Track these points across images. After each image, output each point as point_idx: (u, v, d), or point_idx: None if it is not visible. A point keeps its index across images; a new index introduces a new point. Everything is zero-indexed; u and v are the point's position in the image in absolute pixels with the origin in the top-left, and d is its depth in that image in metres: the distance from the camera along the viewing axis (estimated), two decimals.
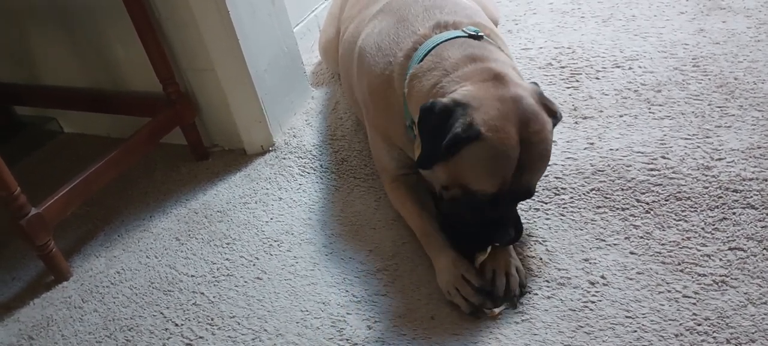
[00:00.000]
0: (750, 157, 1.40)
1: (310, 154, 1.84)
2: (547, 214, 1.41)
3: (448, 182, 1.24)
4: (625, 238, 1.31)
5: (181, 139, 1.99)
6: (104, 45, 2.00)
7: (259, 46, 1.81)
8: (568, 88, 1.77)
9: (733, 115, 1.53)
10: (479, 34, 1.36)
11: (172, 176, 1.96)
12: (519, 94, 1.20)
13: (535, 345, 1.16)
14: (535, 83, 1.27)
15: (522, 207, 1.44)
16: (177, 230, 1.72)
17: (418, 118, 1.24)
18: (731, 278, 1.17)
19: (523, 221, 1.39)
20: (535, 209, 1.43)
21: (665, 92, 1.66)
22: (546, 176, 1.50)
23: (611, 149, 1.52)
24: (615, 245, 1.30)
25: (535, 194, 1.45)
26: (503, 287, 1.25)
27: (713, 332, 1.10)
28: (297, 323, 1.34)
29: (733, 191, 1.33)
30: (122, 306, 1.52)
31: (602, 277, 1.24)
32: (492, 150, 1.16)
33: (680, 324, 1.12)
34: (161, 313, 1.47)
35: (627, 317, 1.16)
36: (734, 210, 1.30)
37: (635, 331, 1.13)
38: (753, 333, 1.08)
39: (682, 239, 1.27)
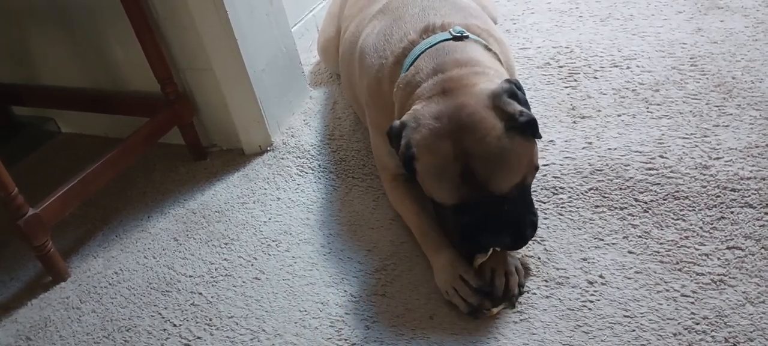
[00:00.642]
0: (748, 156, 1.40)
1: (309, 154, 1.84)
2: (546, 213, 1.41)
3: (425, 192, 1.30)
4: (624, 237, 1.31)
5: (179, 140, 1.99)
6: (102, 45, 2.00)
7: (258, 46, 1.81)
8: (566, 87, 1.77)
9: (731, 114, 1.53)
10: (464, 35, 1.37)
11: (171, 176, 1.96)
12: (461, 103, 1.22)
13: (533, 344, 1.16)
14: (509, 81, 1.24)
15: None
16: (175, 230, 1.72)
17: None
18: (729, 277, 1.17)
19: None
20: None
21: (663, 92, 1.66)
22: (544, 175, 1.50)
23: (609, 149, 1.52)
24: (613, 244, 1.30)
25: (534, 193, 1.46)
26: (502, 287, 1.25)
27: (712, 331, 1.10)
28: (295, 323, 1.34)
29: (731, 190, 1.33)
30: (120, 307, 1.52)
31: (600, 276, 1.24)
32: (428, 168, 1.23)
33: (679, 323, 1.12)
34: (159, 313, 1.47)
35: (625, 316, 1.16)
36: (732, 209, 1.30)
37: (634, 330, 1.13)
38: (751, 332, 1.08)
39: (681, 238, 1.27)
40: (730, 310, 1.12)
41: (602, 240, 1.31)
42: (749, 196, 1.31)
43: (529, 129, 1.20)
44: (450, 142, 1.20)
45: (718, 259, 1.21)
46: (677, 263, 1.22)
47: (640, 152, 1.49)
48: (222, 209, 1.74)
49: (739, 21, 1.86)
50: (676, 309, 1.14)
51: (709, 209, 1.31)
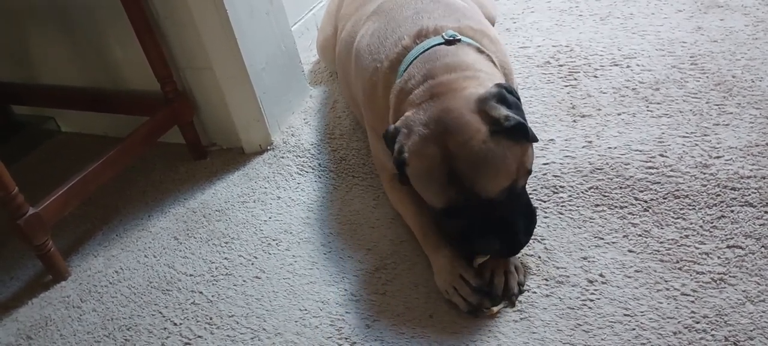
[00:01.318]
0: (748, 155, 1.40)
1: (309, 153, 1.84)
2: (546, 212, 1.41)
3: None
4: (624, 236, 1.31)
5: (179, 139, 1.99)
6: (102, 44, 1.99)
7: (257, 45, 1.81)
8: (566, 86, 1.77)
9: (731, 113, 1.53)
10: (456, 38, 1.38)
11: (171, 176, 1.96)
12: (447, 108, 1.23)
13: (533, 343, 1.16)
14: (499, 86, 1.24)
15: None
16: (175, 229, 1.72)
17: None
18: (729, 276, 1.17)
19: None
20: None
21: (663, 90, 1.66)
22: (544, 174, 1.50)
23: (609, 147, 1.52)
24: (613, 243, 1.30)
25: (534, 192, 1.46)
26: (501, 286, 1.25)
27: (711, 329, 1.10)
28: (296, 321, 1.34)
29: (731, 189, 1.34)
30: (121, 305, 1.52)
31: (601, 275, 1.24)
32: (418, 172, 1.24)
33: (679, 322, 1.12)
34: (160, 312, 1.47)
35: (625, 315, 1.16)
36: (732, 208, 1.30)
37: (634, 329, 1.13)
38: (751, 331, 1.08)
39: (681, 236, 1.27)
40: (730, 309, 1.12)
41: (602, 239, 1.32)
42: (749, 195, 1.31)
43: (516, 133, 1.20)
44: (436, 146, 1.20)
45: (719, 258, 1.21)
46: (677, 262, 1.22)
47: (641, 151, 1.49)
48: (222, 208, 1.74)
49: (739, 20, 1.86)
50: (677, 308, 1.15)
51: (710, 208, 1.31)
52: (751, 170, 1.36)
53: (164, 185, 1.93)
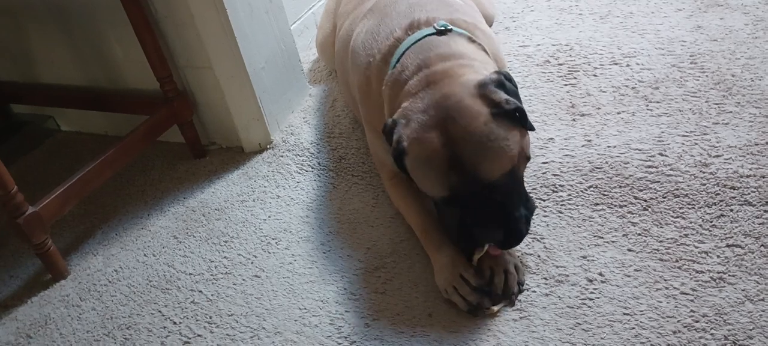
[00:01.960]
0: (747, 154, 1.40)
1: (308, 152, 1.84)
2: (545, 211, 1.41)
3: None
4: (623, 235, 1.31)
5: (178, 138, 1.99)
6: (102, 43, 1.99)
7: (257, 43, 1.81)
8: (566, 85, 1.77)
9: (731, 112, 1.53)
10: (448, 28, 1.38)
11: (170, 174, 1.96)
12: (446, 93, 1.23)
13: (533, 342, 1.16)
14: (498, 72, 1.25)
15: None
16: (175, 228, 1.72)
17: None
18: (729, 275, 1.17)
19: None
20: None
21: (663, 89, 1.66)
22: (544, 173, 1.50)
23: (609, 146, 1.52)
24: (613, 242, 1.30)
25: (534, 190, 1.46)
26: (501, 285, 1.25)
27: (711, 328, 1.10)
28: (295, 320, 1.34)
29: (730, 188, 1.34)
30: (120, 304, 1.52)
31: (600, 274, 1.24)
32: (418, 161, 1.23)
33: (678, 321, 1.12)
34: (159, 311, 1.47)
35: (625, 314, 1.16)
36: (732, 207, 1.30)
37: (633, 328, 1.13)
38: (751, 330, 1.08)
39: (680, 235, 1.27)
40: (729, 308, 1.12)
41: (602, 238, 1.32)
42: (749, 194, 1.31)
43: (517, 117, 1.20)
44: (437, 132, 1.20)
45: (718, 257, 1.21)
46: (677, 261, 1.22)
47: (640, 150, 1.49)
48: (222, 207, 1.74)
49: (738, 18, 1.86)
50: (676, 307, 1.15)
51: (709, 207, 1.31)
52: (750, 169, 1.36)
53: (164, 184, 1.93)
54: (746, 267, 1.18)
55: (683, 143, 1.47)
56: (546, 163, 1.53)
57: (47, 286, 1.65)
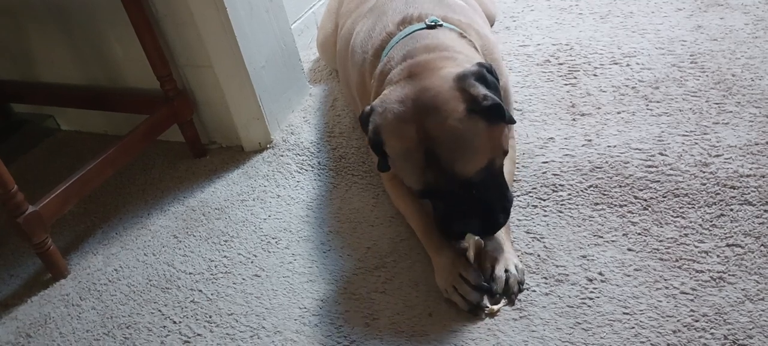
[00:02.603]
0: (747, 153, 1.40)
1: (308, 151, 1.84)
2: (545, 211, 1.41)
3: None
4: (623, 234, 1.31)
5: (178, 137, 1.99)
6: (102, 42, 1.99)
7: (257, 43, 1.81)
8: (566, 85, 1.77)
9: (731, 111, 1.53)
10: (438, 23, 1.39)
11: (170, 174, 1.96)
12: (425, 86, 1.23)
13: (533, 342, 1.16)
14: (480, 64, 1.24)
15: (520, 204, 1.44)
16: (175, 227, 1.72)
17: None
18: (729, 275, 1.18)
19: (521, 218, 1.40)
20: (532, 205, 1.43)
21: (663, 89, 1.66)
22: (544, 172, 1.50)
23: (609, 146, 1.52)
24: (613, 241, 1.30)
25: (533, 190, 1.46)
26: (501, 285, 1.25)
27: (711, 328, 1.10)
28: (295, 320, 1.34)
29: (730, 188, 1.34)
30: (120, 304, 1.52)
31: (600, 273, 1.24)
32: (396, 152, 1.24)
33: (678, 320, 1.12)
34: (159, 310, 1.47)
35: (625, 313, 1.16)
36: (732, 207, 1.30)
37: (633, 327, 1.13)
38: (750, 329, 1.08)
39: (680, 235, 1.27)
40: (729, 307, 1.12)
41: (602, 237, 1.32)
42: (749, 193, 1.31)
43: (494, 113, 1.20)
44: (414, 126, 1.20)
45: (718, 256, 1.21)
46: (677, 261, 1.22)
47: (640, 150, 1.49)
48: (222, 207, 1.74)
49: (738, 18, 1.86)
50: (676, 306, 1.15)
51: (709, 207, 1.31)
52: (750, 169, 1.36)
53: (164, 183, 1.92)
54: (746, 267, 1.18)
55: (683, 143, 1.47)
56: (546, 162, 1.53)
57: (47, 285, 1.65)
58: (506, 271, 1.26)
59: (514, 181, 1.50)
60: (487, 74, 1.23)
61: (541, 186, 1.47)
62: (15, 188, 1.52)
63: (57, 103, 2.30)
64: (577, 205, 1.40)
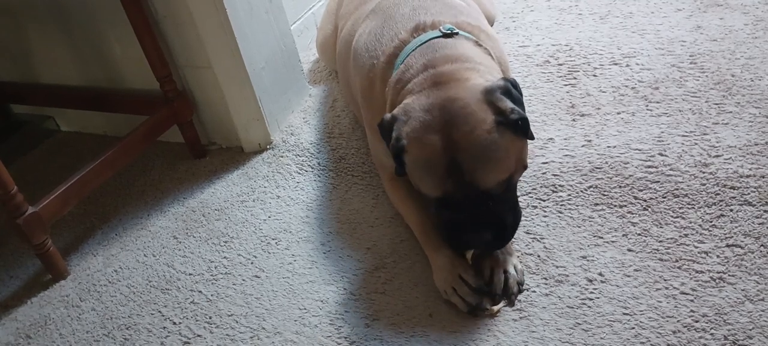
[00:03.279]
0: (747, 154, 1.40)
1: (308, 152, 1.84)
2: (545, 211, 1.41)
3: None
4: (623, 235, 1.31)
5: (178, 138, 1.99)
6: (102, 43, 1.99)
7: (257, 43, 1.81)
8: (566, 85, 1.77)
9: (731, 112, 1.53)
10: (454, 32, 1.38)
11: (170, 175, 1.96)
12: (453, 96, 1.22)
13: (533, 342, 1.16)
14: (505, 79, 1.25)
15: (520, 204, 1.44)
16: (175, 228, 1.72)
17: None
18: (729, 275, 1.18)
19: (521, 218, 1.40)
20: (532, 206, 1.43)
21: (663, 89, 1.66)
22: (544, 173, 1.50)
23: (609, 146, 1.52)
24: (613, 242, 1.30)
25: (533, 190, 1.46)
26: (501, 286, 1.25)
27: (711, 328, 1.10)
28: (295, 321, 1.34)
29: (730, 188, 1.34)
30: (120, 305, 1.52)
31: (600, 274, 1.24)
32: (417, 160, 1.23)
33: (678, 321, 1.12)
34: (159, 311, 1.47)
35: (625, 313, 1.16)
36: (731, 207, 1.30)
37: (633, 328, 1.13)
38: (750, 330, 1.08)
39: (680, 235, 1.27)
40: (729, 308, 1.12)
41: (602, 238, 1.32)
42: (748, 194, 1.31)
43: (520, 127, 1.20)
44: (439, 135, 1.20)
45: (718, 257, 1.21)
46: (677, 261, 1.22)
47: (640, 150, 1.49)
48: (222, 207, 1.74)
49: (738, 18, 1.86)
50: (676, 307, 1.15)
51: (709, 207, 1.31)
52: (750, 169, 1.36)
53: (163, 184, 1.92)
54: (746, 267, 1.18)
55: (683, 143, 1.47)
56: (546, 163, 1.53)
57: (47, 286, 1.65)
58: (506, 272, 1.26)
59: None
60: (513, 89, 1.24)
61: (541, 186, 1.47)
62: (15, 189, 1.52)
63: (57, 104, 2.30)
64: (577, 205, 1.40)
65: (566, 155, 1.54)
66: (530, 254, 1.32)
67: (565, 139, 1.59)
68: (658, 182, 1.40)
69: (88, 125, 2.32)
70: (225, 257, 1.57)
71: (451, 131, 1.19)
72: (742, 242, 1.23)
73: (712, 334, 1.09)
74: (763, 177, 1.34)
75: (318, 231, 1.56)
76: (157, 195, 1.88)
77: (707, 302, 1.14)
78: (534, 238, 1.36)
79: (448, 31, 1.38)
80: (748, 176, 1.35)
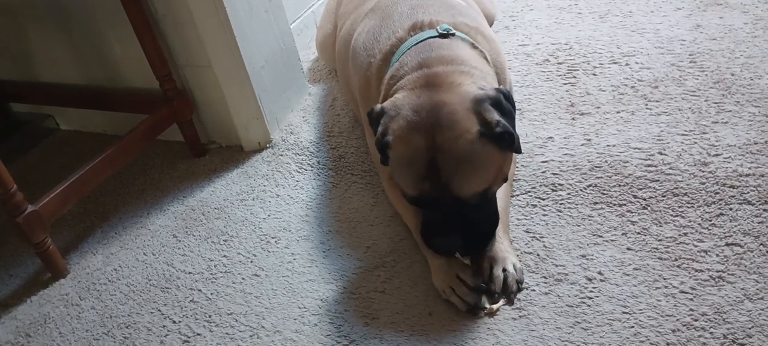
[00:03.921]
0: (747, 153, 1.40)
1: (308, 151, 1.84)
2: (545, 210, 1.41)
3: None
4: (622, 234, 1.31)
5: (178, 136, 1.99)
6: (101, 42, 1.99)
7: (257, 42, 1.81)
8: (565, 84, 1.77)
9: (730, 111, 1.53)
10: (451, 32, 1.38)
11: (170, 173, 1.96)
12: (442, 100, 1.22)
13: (532, 341, 1.16)
14: (498, 90, 1.24)
15: (519, 203, 1.44)
16: (174, 227, 1.72)
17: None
18: (728, 274, 1.18)
19: (521, 218, 1.40)
20: (532, 205, 1.43)
21: (662, 88, 1.66)
22: (543, 172, 1.50)
23: (608, 145, 1.52)
24: (612, 241, 1.30)
25: (533, 189, 1.46)
26: (499, 285, 1.25)
27: (710, 327, 1.10)
28: (294, 319, 1.34)
29: (729, 187, 1.34)
30: (120, 303, 1.52)
31: (599, 273, 1.24)
32: (400, 157, 1.23)
33: (677, 320, 1.12)
34: (159, 310, 1.47)
35: (624, 312, 1.16)
36: (731, 206, 1.30)
37: (632, 327, 1.13)
38: (750, 329, 1.08)
39: (679, 234, 1.27)
40: (728, 307, 1.12)
41: (601, 237, 1.32)
42: (748, 192, 1.31)
43: (504, 140, 1.20)
44: (424, 137, 1.20)
45: (717, 255, 1.21)
46: (676, 260, 1.23)
47: (639, 149, 1.49)
48: (221, 206, 1.74)
49: (738, 18, 1.86)
50: (675, 306, 1.15)
51: (708, 206, 1.31)
52: (749, 168, 1.36)
53: (163, 183, 1.93)
54: (745, 266, 1.18)
55: (682, 142, 1.47)
56: (545, 162, 1.53)
57: (47, 285, 1.65)
58: (504, 270, 1.26)
59: (514, 180, 1.50)
60: (504, 101, 1.23)
61: (541, 185, 1.47)
62: (14, 188, 1.52)
63: (57, 103, 2.30)
64: (577, 204, 1.40)
65: (566, 154, 1.54)
66: (529, 253, 1.32)
67: (565, 138, 1.59)
68: (658, 180, 1.40)
69: (88, 124, 2.32)
70: (225, 256, 1.57)
71: (435, 134, 1.19)
72: (742, 240, 1.23)
73: (711, 333, 1.09)
74: (763, 176, 1.34)
75: (317, 230, 1.56)
76: (157, 194, 1.88)
77: (706, 300, 1.14)
78: (533, 236, 1.36)
79: (445, 32, 1.39)
80: (747, 175, 1.35)
